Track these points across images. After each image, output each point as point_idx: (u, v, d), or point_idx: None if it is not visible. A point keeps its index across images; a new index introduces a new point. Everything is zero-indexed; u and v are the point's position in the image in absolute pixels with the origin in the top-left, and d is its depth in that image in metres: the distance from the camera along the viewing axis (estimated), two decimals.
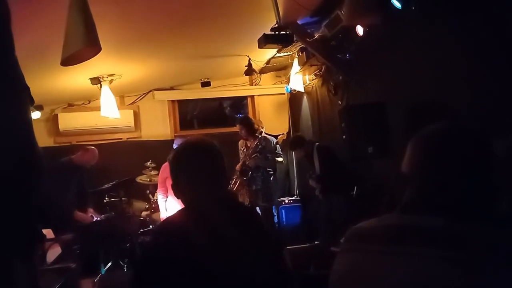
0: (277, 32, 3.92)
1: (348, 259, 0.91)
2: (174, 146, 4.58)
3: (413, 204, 0.87)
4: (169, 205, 4.62)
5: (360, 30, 3.76)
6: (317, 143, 4.72)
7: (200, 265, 1.22)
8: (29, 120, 0.71)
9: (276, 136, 5.91)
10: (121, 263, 4.39)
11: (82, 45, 2.29)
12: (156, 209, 4.80)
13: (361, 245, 0.89)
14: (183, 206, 1.40)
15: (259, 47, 4.05)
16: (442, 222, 0.81)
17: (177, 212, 1.39)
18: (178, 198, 1.38)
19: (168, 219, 1.45)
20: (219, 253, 1.23)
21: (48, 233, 3.98)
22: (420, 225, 0.83)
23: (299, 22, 4.30)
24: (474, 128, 0.91)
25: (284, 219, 5.71)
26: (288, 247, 3.57)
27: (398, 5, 3.10)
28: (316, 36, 4.35)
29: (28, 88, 0.75)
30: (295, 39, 4.16)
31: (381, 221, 0.89)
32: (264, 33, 3.92)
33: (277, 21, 3.74)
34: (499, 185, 0.84)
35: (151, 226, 4.61)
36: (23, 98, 0.70)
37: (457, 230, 0.80)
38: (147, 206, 4.96)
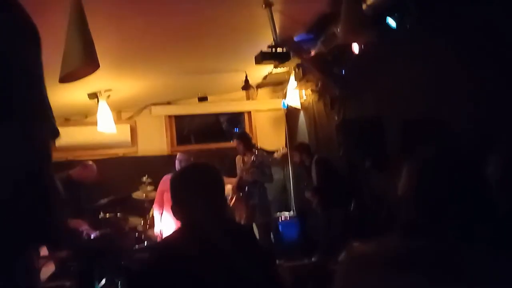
0: (274, 50, 3.96)
1: (349, 284, 0.91)
2: (176, 162, 4.60)
3: (412, 227, 0.88)
4: (164, 219, 4.60)
5: (355, 48, 3.81)
6: (316, 156, 4.74)
7: (196, 283, 1.25)
8: (48, 153, 0.72)
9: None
10: (116, 280, 4.32)
11: (81, 63, 2.31)
12: (152, 225, 4.76)
13: (361, 271, 0.89)
14: (178, 221, 1.44)
15: (256, 64, 4.08)
16: (442, 245, 0.81)
17: (174, 232, 1.43)
18: (177, 219, 1.42)
19: (166, 239, 1.48)
20: (214, 272, 1.26)
21: (42, 250, 3.92)
22: (420, 249, 0.83)
23: (295, 39, 4.35)
24: (467, 150, 0.92)
25: (281, 235, 5.67)
26: (286, 264, 3.54)
27: (393, 24, 3.15)
28: (313, 52, 4.40)
29: (53, 121, 0.76)
30: (291, 56, 4.20)
31: (381, 246, 0.89)
32: (261, 51, 3.95)
33: (274, 39, 3.78)
34: (496, 206, 0.85)
35: (146, 243, 4.57)
36: (45, 131, 0.71)
37: (458, 254, 0.80)
38: (142, 223, 4.93)
